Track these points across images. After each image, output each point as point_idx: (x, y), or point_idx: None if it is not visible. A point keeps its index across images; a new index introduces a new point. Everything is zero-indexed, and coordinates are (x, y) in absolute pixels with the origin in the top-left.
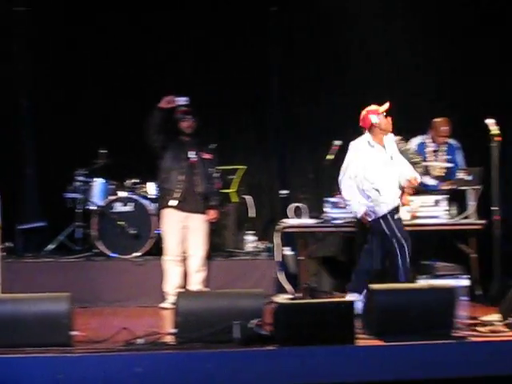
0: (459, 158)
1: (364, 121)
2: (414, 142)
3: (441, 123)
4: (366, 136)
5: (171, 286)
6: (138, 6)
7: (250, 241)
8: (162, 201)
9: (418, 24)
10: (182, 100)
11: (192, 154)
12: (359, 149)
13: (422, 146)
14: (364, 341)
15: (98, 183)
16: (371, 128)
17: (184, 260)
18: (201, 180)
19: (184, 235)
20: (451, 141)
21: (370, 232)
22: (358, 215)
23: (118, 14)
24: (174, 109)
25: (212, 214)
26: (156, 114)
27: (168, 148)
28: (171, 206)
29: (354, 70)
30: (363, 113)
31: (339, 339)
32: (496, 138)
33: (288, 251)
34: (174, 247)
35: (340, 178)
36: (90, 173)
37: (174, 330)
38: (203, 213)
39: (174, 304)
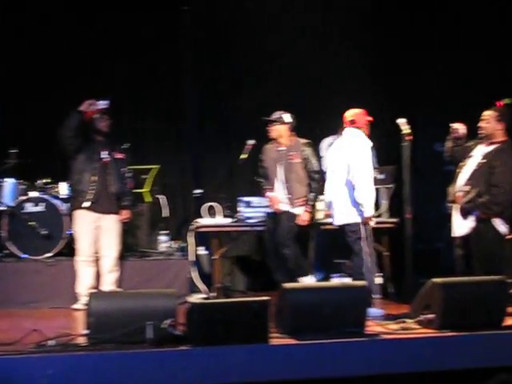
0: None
1: (360, 119)
2: (326, 143)
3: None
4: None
5: (83, 286)
6: (50, 7)
7: (164, 241)
8: (74, 202)
9: (332, 23)
10: (103, 103)
11: (104, 154)
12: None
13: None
14: (277, 340)
15: (8, 183)
16: (364, 127)
17: (97, 260)
18: (113, 180)
19: (96, 236)
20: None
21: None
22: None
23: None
24: (94, 112)
25: (125, 214)
26: (75, 116)
27: (81, 149)
28: (84, 208)
29: (267, 69)
30: (356, 112)
31: (253, 338)
32: (407, 138)
33: (202, 251)
34: (86, 248)
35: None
36: (0, 173)
37: (85, 331)
38: (116, 213)
39: (86, 305)
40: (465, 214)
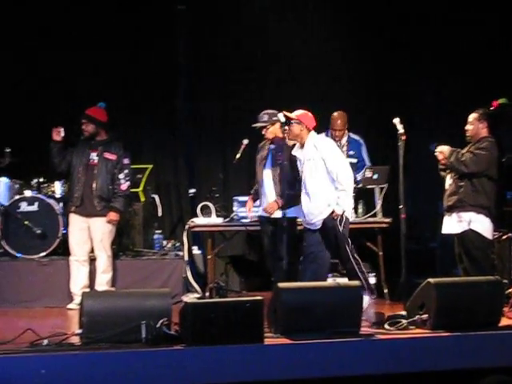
0: (364, 154)
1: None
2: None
3: (334, 117)
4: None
5: (77, 286)
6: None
7: (158, 240)
8: (67, 203)
9: (329, 21)
10: (101, 105)
11: (93, 156)
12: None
13: None
14: (271, 339)
15: (3, 182)
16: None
17: (92, 260)
18: (100, 182)
19: (88, 237)
20: (355, 136)
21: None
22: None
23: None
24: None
25: (112, 215)
26: (52, 146)
27: (73, 153)
28: (72, 211)
29: (262, 69)
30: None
31: (247, 338)
32: (402, 137)
33: (196, 250)
34: (77, 249)
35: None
36: None
37: (79, 331)
38: (103, 215)
39: (79, 304)
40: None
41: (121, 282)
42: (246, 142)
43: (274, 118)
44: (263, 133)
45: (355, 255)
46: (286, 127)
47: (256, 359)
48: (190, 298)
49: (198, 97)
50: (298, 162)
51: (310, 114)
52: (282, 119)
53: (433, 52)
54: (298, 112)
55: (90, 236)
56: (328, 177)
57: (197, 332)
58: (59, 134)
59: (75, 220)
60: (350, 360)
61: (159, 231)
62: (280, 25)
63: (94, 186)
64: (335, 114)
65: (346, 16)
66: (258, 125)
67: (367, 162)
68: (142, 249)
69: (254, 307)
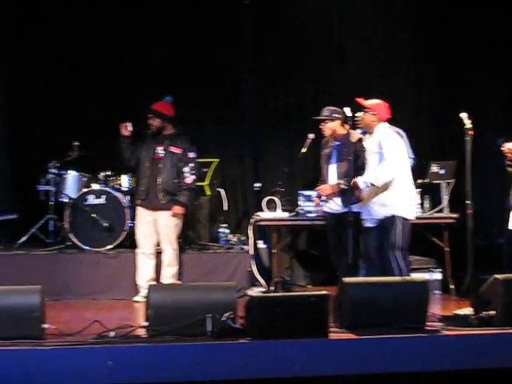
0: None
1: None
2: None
3: None
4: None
5: (143, 279)
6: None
7: (223, 234)
8: (134, 197)
9: (398, 14)
10: (168, 99)
11: (159, 150)
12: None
13: None
14: (336, 334)
15: (71, 176)
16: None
17: (158, 253)
18: (165, 176)
19: (154, 230)
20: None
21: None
22: None
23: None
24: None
25: (176, 209)
26: (121, 141)
27: (142, 148)
28: (141, 205)
29: (329, 63)
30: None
31: (312, 332)
32: (469, 132)
33: (261, 244)
34: (143, 241)
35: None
36: (63, 165)
37: (145, 323)
38: (168, 209)
39: (145, 297)
40: None
41: (186, 276)
42: (311, 136)
43: (335, 115)
44: (320, 127)
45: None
46: (360, 114)
47: (321, 354)
48: (255, 291)
49: (263, 91)
50: (367, 153)
51: (384, 104)
52: (348, 113)
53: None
54: (373, 101)
55: (156, 229)
56: None
57: (262, 326)
58: (127, 128)
59: (142, 213)
60: (416, 356)
61: (224, 225)
62: (348, 15)
63: (160, 179)
64: None
65: (412, 8)
66: (318, 117)
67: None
68: (207, 242)
69: (319, 302)
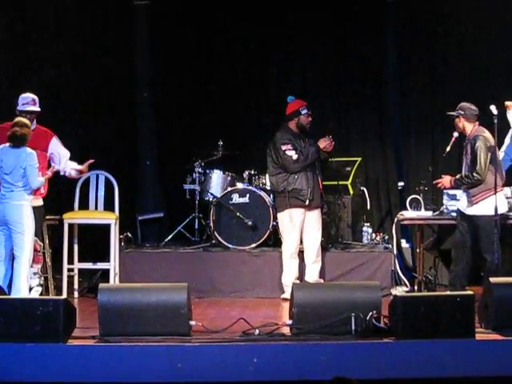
0: None
1: None
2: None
3: None
4: None
5: (290, 277)
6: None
7: (366, 233)
8: (289, 200)
9: None
10: (290, 99)
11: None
12: None
13: None
14: (482, 335)
15: (216, 175)
16: None
17: (301, 252)
18: (319, 175)
19: (302, 229)
20: None
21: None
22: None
23: (239, 15)
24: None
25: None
26: (320, 154)
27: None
28: (300, 206)
29: (473, 61)
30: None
31: (458, 333)
32: None
33: (404, 243)
34: (295, 243)
35: None
36: (208, 164)
37: (289, 322)
38: (321, 207)
39: (290, 296)
40: None
41: (329, 274)
42: (456, 134)
43: (461, 112)
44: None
45: None
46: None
47: (467, 355)
48: (399, 291)
49: (406, 89)
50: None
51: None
52: (495, 111)
53: None
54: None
55: (303, 228)
56: None
57: (406, 325)
58: (331, 143)
59: (300, 215)
60: None
61: (367, 224)
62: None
63: (318, 179)
64: None
65: None
66: (450, 113)
67: None
68: (350, 241)
69: (465, 302)
